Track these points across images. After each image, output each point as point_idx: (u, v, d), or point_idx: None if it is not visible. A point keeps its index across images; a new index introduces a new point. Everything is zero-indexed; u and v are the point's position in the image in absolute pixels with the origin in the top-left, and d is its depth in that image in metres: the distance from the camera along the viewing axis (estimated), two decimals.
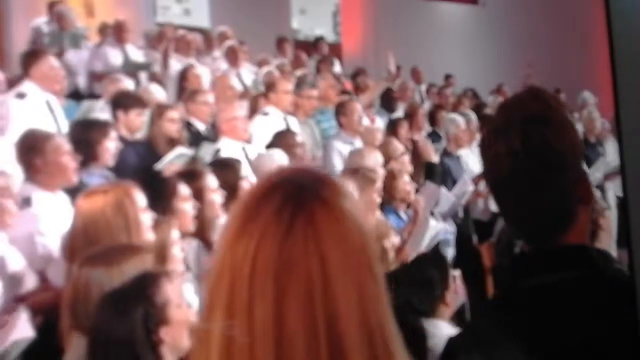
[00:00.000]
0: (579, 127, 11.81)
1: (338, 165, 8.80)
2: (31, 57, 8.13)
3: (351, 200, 1.56)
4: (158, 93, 9.25)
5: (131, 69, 11.10)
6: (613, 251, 6.49)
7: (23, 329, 4.17)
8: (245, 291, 1.45)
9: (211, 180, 5.85)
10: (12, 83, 8.53)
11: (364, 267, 1.51)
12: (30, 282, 5.21)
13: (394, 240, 6.13)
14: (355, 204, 1.56)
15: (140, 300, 3.17)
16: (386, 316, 1.52)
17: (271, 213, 1.47)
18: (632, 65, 1.73)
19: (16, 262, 5.20)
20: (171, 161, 7.00)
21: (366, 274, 1.50)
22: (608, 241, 5.48)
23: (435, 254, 5.02)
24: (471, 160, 10.03)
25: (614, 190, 10.73)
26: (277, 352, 1.43)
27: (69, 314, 3.62)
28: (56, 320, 3.90)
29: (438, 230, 7.15)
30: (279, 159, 7.27)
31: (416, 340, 4.00)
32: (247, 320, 1.45)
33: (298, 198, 1.49)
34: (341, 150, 8.97)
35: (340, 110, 9.43)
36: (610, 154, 11.77)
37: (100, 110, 8.62)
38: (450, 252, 8.07)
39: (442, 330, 4.19)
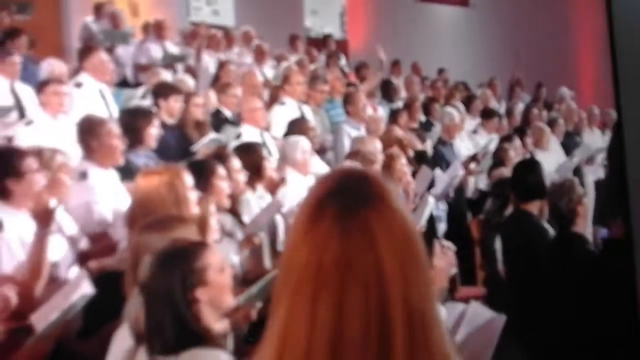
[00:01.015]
0: (560, 119, 11.93)
1: (347, 146, 8.85)
2: (85, 52, 8.33)
3: (397, 199, 1.57)
4: (188, 82, 9.43)
5: (169, 61, 11.29)
6: (588, 230, 6.74)
7: (84, 286, 4.17)
8: (311, 284, 1.48)
9: (236, 162, 6.02)
10: (70, 74, 8.73)
11: (412, 260, 1.53)
12: (83, 244, 5.44)
13: None
14: (401, 202, 1.58)
15: (179, 262, 3.23)
16: (429, 303, 1.54)
17: (330, 221, 1.50)
18: (633, 63, 1.74)
19: (71, 227, 5.41)
20: (205, 145, 7.17)
21: (413, 266, 1.53)
22: (584, 226, 5.50)
23: (425, 235, 4.83)
24: (462, 146, 10.23)
25: (591, 174, 10.72)
26: (336, 334, 1.46)
27: (130, 271, 3.79)
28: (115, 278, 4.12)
29: (430, 205, 7.08)
30: (303, 144, 7.38)
31: None
32: (310, 308, 1.48)
33: (353, 206, 1.51)
34: (350, 133, 9.11)
35: (347, 100, 9.61)
36: (587, 142, 11.81)
37: (139, 98, 8.87)
38: (442, 227, 8.26)
39: None
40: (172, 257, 3.29)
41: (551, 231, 6.24)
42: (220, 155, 6.14)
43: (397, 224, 1.51)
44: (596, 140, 12.27)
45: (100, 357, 3.76)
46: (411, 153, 8.49)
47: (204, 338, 3.14)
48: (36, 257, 4.60)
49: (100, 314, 4.18)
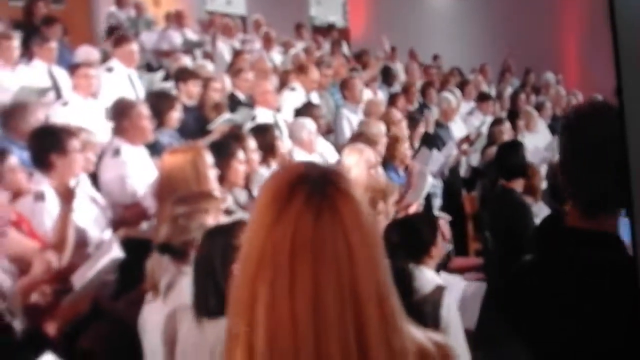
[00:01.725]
0: (547, 103, 12.04)
1: (346, 129, 9.02)
2: (118, 41, 8.46)
3: (356, 189, 1.60)
4: (208, 67, 9.63)
5: (188, 47, 11.51)
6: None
7: (114, 251, 4.33)
8: (287, 263, 1.49)
9: (252, 143, 6.14)
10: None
11: (377, 243, 1.57)
12: (115, 213, 5.60)
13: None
14: (361, 196, 1.60)
15: (221, 239, 3.26)
16: (390, 281, 1.57)
17: (302, 203, 1.51)
18: (635, 60, 1.63)
19: (102, 198, 5.58)
20: (220, 124, 7.31)
21: (377, 249, 1.56)
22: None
23: (428, 216, 4.95)
24: (456, 128, 10.30)
25: None
26: (314, 307, 1.48)
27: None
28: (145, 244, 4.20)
29: (429, 183, 7.13)
30: (309, 126, 7.51)
31: (404, 279, 3.89)
32: (289, 284, 1.49)
33: (323, 189, 1.53)
34: (348, 117, 9.20)
35: (344, 86, 9.67)
36: None
37: (160, 81, 9.11)
38: (437, 202, 8.28)
39: (425, 275, 4.17)
40: (215, 233, 3.36)
41: (536, 208, 6.41)
42: (237, 135, 6.25)
43: (359, 210, 1.54)
44: None
45: (129, 316, 3.88)
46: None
47: None
48: (61, 230, 4.69)
49: (131, 277, 4.24)
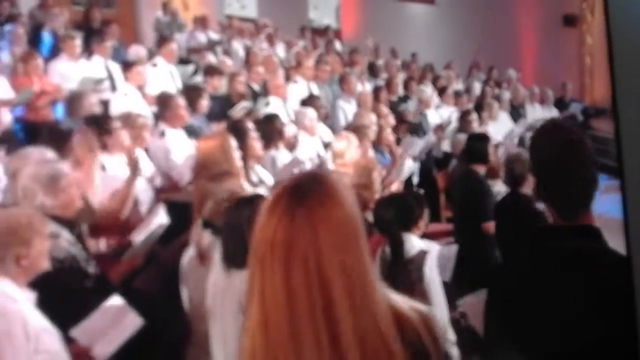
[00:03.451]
0: (507, 96, 12.04)
1: (341, 117, 9.27)
2: (162, 42, 9.09)
3: (341, 193, 1.59)
4: (227, 62, 9.92)
5: (211, 45, 11.75)
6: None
7: (161, 216, 4.48)
8: (269, 258, 1.53)
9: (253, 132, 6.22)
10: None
11: (348, 237, 1.55)
12: (158, 182, 5.90)
13: (381, 172, 6.05)
14: (347, 197, 1.59)
15: (247, 206, 3.40)
16: (366, 270, 1.56)
17: (283, 209, 1.54)
18: (629, 59, 1.57)
19: (150, 169, 5.89)
20: (239, 110, 7.63)
21: (351, 244, 1.55)
22: (529, 188, 5.58)
23: (417, 194, 4.88)
24: (432, 116, 10.46)
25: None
26: (288, 301, 1.50)
27: (196, 207, 4.20)
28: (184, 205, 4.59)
29: (410, 166, 7.40)
30: (311, 114, 7.71)
31: (397, 245, 4.12)
32: (270, 276, 1.52)
33: (300, 196, 1.55)
34: (343, 106, 9.42)
35: (342, 81, 9.89)
36: (529, 114, 11.98)
37: (190, 75, 9.51)
38: (415, 179, 8.47)
39: (412, 241, 4.17)
40: (243, 202, 3.51)
41: (497, 187, 6.67)
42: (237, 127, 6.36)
43: (338, 213, 1.55)
44: (537, 112, 12.24)
45: (173, 261, 4.13)
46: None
47: None
48: (125, 192, 5.03)
49: (174, 229, 4.52)
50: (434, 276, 4.04)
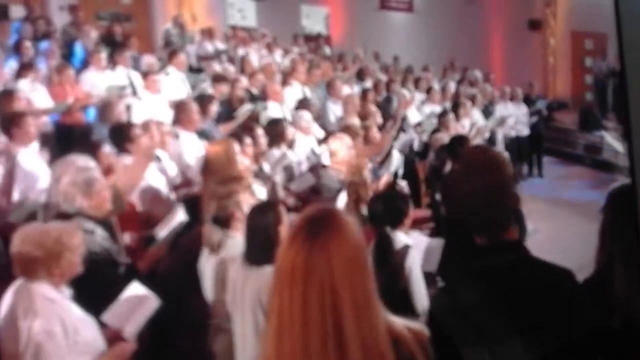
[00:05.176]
0: (480, 96, 11.96)
1: (331, 117, 9.26)
2: (173, 53, 9.36)
3: (350, 227, 1.67)
4: (230, 69, 10.05)
5: (217, 54, 11.91)
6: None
7: (180, 214, 4.58)
8: (289, 282, 1.61)
9: (260, 130, 6.49)
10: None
11: (358, 268, 1.64)
12: (177, 179, 6.00)
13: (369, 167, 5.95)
14: (354, 230, 1.68)
15: (271, 209, 3.50)
16: (372, 297, 1.65)
17: (301, 241, 1.63)
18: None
19: (172, 169, 6.00)
20: (242, 112, 7.70)
21: (360, 273, 1.64)
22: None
23: (404, 195, 4.70)
24: (412, 116, 10.34)
25: (501, 133, 11.07)
26: (303, 313, 1.59)
27: (206, 205, 4.17)
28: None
29: (397, 159, 7.47)
30: (307, 116, 7.75)
31: (385, 240, 4.11)
32: (288, 299, 1.61)
33: (316, 229, 1.64)
34: (332, 107, 9.39)
35: (329, 85, 9.77)
36: (498, 111, 11.88)
37: (201, 81, 9.61)
38: (400, 171, 8.42)
39: (398, 237, 4.16)
40: (267, 206, 3.61)
41: None
42: (248, 126, 6.65)
43: (347, 244, 1.64)
44: (508, 109, 12.22)
45: (192, 247, 4.11)
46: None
47: None
48: (136, 175, 5.01)
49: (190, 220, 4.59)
50: (414, 267, 4.11)
